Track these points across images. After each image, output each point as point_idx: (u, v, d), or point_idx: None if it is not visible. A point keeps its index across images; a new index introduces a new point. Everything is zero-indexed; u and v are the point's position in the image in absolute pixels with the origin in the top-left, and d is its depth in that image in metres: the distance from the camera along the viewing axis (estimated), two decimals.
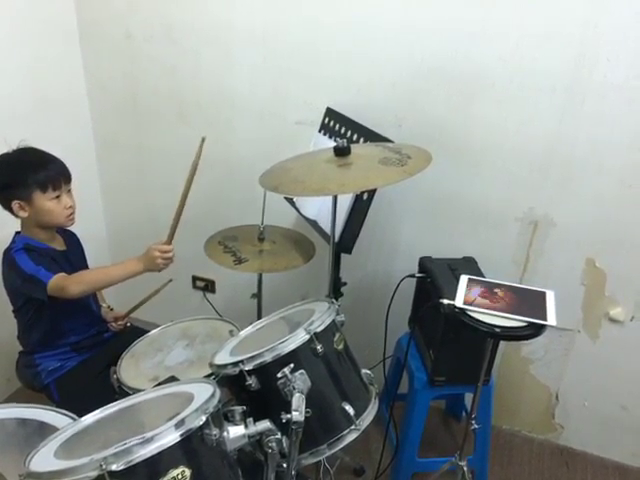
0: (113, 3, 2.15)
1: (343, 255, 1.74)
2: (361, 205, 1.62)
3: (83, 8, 2.20)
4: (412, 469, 1.88)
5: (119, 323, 1.85)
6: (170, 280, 1.83)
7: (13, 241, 1.60)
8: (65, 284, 1.50)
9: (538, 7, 1.65)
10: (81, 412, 1.19)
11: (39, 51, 2.10)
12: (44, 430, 1.16)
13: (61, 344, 1.68)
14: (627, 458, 2.09)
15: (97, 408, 1.15)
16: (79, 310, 1.69)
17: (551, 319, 1.38)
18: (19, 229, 1.63)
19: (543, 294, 1.49)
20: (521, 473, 2.05)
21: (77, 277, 1.55)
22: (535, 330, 1.39)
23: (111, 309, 1.88)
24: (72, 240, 1.75)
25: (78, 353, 1.70)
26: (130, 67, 2.24)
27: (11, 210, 1.55)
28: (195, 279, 2.52)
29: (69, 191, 1.61)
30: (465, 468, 1.69)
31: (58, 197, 1.57)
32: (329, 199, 1.58)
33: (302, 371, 1.21)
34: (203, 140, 1.53)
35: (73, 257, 1.71)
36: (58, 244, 1.68)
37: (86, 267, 1.77)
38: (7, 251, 1.58)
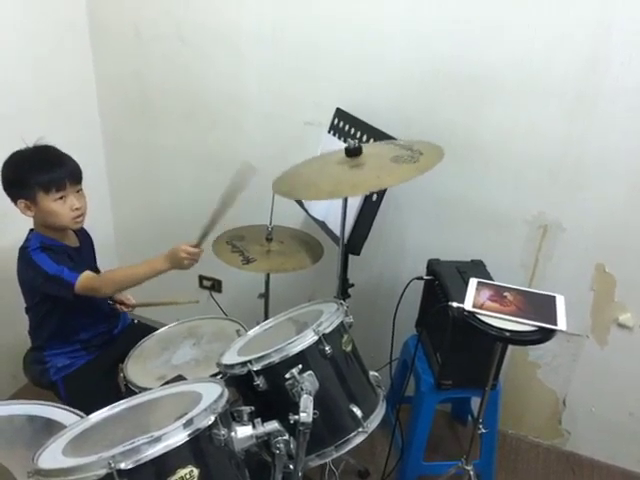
0: (124, 2, 2.15)
1: (350, 256, 1.73)
2: (370, 206, 1.62)
3: (94, 7, 2.21)
4: (417, 472, 1.87)
5: (123, 309, 1.83)
6: (197, 301, 1.85)
7: (28, 239, 1.58)
8: (97, 285, 1.51)
9: (551, 10, 1.64)
10: (87, 410, 1.18)
11: (49, 49, 2.10)
12: (52, 427, 1.16)
13: (72, 341, 1.68)
14: (634, 465, 2.08)
15: (103, 406, 1.15)
16: (92, 307, 1.68)
17: (561, 324, 1.37)
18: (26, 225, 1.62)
19: (553, 298, 1.48)
20: (527, 479, 2.04)
21: (107, 277, 1.56)
22: (545, 335, 1.38)
23: None
24: (85, 237, 1.74)
25: (87, 352, 1.70)
26: (139, 66, 2.24)
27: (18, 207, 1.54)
28: (202, 278, 2.52)
29: (78, 192, 1.58)
30: (471, 473, 1.68)
31: (62, 198, 1.53)
32: (337, 200, 1.58)
33: (310, 372, 1.20)
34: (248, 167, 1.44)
35: (86, 254, 1.71)
36: (71, 241, 1.67)
37: (95, 264, 1.77)
38: (23, 249, 1.56)
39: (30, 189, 1.51)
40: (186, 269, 1.57)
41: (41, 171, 1.51)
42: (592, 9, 1.60)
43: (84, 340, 1.69)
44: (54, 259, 1.52)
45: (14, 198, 1.53)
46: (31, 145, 1.56)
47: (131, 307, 1.84)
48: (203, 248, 1.57)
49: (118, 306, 1.82)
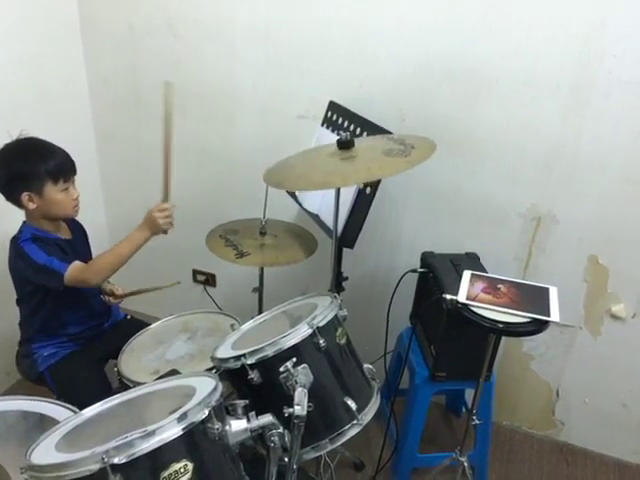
0: None
1: (345, 250, 1.73)
2: (364, 199, 1.61)
3: (86, 2, 2.18)
4: (412, 464, 1.88)
5: (112, 301, 1.81)
6: (178, 282, 1.85)
7: (20, 231, 1.58)
8: (85, 277, 1.51)
9: (544, 3, 1.63)
10: (76, 400, 1.19)
11: (41, 44, 2.08)
12: (45, 423, 1.16)
13: (60, 334, 1.68)
14: (627, 455, 2.10)
15: (91, 398, 1.14)
16: (81, 302, 1.68)
17: (554, 315, 1.38)
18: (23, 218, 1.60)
19: (546, 290, 1.48)
20: (521, 469, 2.05)
21: (94, 266, 1.55)
22: (538, 326, 1.38)
23: (108, 282, 1.85)
24: (77, 228, 1.74)
25: (75, 343, 1.70)
26: (132, 61, 2.22)
27: (17, 202, 1.52)
28: (196, 273, 2.51)
29: (74, 182, 1.60)
30: (465, 464, 1.69)
31: (67, 189, 1.55)
32: (331, 193, 1.57)
33: (304, 365, 1.20)
34: (168, 85, 1.51)
35: (79, 245, 1.70)
36: (64, 233, 1.67)
37: (90, 255, 1.76)
38: (15, 240, 1.56)
39: (39, 180, 1.50)
40: (165, 232, 1.58)
41: (48, 161, 1.51)
42: (586, 2, 1.59)
43: (72, 334, 1.69)
44: (44, 250, 1.51)
45: (17, 192, 1.50)
46: (16, 138, 1.53)
47: (120, 298, 1.82)
48: (174, 203, 1.59)
49: (106, 298, 1.80)
